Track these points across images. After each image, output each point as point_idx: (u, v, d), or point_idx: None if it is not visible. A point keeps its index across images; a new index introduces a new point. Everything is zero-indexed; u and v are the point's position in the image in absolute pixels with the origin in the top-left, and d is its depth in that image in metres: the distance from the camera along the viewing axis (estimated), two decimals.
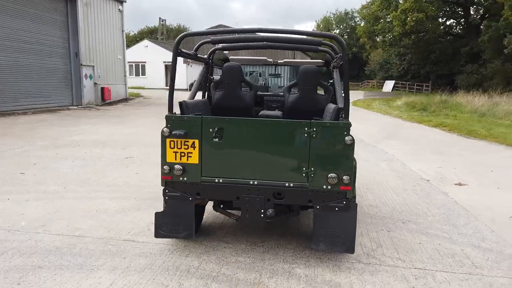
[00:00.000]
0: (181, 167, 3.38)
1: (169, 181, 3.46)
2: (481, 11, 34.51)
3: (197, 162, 3.39)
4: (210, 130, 3.36)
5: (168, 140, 3.40)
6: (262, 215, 3.40)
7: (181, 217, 3.49)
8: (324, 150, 3.22)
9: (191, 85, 6.36)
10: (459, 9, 37.70)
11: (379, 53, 55.43)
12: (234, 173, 3.38)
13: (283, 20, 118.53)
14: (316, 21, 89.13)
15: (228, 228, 4.28)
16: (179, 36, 3.41)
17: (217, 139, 3.37)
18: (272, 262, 3.50)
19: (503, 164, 8.23)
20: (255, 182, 3.36)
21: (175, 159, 3.41)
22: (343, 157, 3.21)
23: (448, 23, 39.85)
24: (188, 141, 3.38)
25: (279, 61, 5.76)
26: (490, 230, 4.49)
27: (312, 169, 3.25)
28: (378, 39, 45.64)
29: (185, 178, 3.42)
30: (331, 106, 3.88)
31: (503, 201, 5.61)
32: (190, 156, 3.40)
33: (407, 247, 3.94)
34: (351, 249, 3.31)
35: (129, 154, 8.20)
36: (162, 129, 3.40)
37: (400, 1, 34.66)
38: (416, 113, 19.90)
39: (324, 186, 3.26)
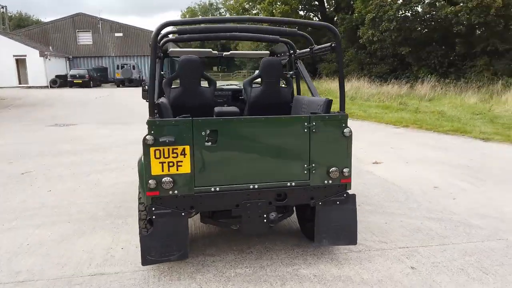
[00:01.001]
0: (171, 179, 2.92)
1: (157, 197, 2.96)
2: (333, 4, 38.36)
3: (189, 172, 2.97)
4: (203, 133, 2.97)
5: (152, 149, 2.89)
6: (265, 220, 3.16)
7: (173, 236, 3.03)
8: (324, 144, 3.14)
9: (143, 83, 5.51)
10: (315, 2, 41.32)
11: (247, 44, 57.38)
12: (232, 179, 3.07)
13: (145, 10, 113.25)
14: (181, 11, 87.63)
15: (204, 240, 3.91)
16: (160, 25, 2.88)
17: (210, 143, 2.99)
18: (273, 268, 3.31)
19: (397, 141, 9.34)
20: (256, 186, 3.10)
21: (163, 171, 2.93)
22: (342, 150, 3.18)
23: (311, 16, 43.34)
24: (177, 149, 2.92)
25: (224, 53, 5.42)
26: (428, 201, 5.03)
27: (313, 165, 3.15)
28: None
29: (175, 191, 2.97)
30: (307, 98, 3.81)
31: (419, 174, 6.36)
32: (180, 166, 2.95)
33: (379, 229, 4.15)
34: (354, 241, 3.33)
35: (23, 168, 6.84)
36: (145, 137, 2.87)
37: None
38: None
39: (326, 181, 3.19)
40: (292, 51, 4.45)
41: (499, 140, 9.17)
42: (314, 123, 3.09)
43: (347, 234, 3.30)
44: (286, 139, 3.10)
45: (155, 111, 3.14)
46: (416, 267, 3.33)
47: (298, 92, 4.46)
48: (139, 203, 3.22)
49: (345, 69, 33.58)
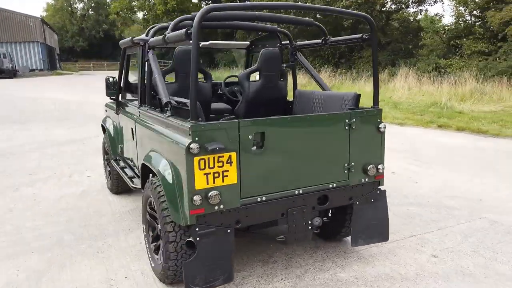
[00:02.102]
0: (218, 193, 2.49)
1: (201, 215, 2.50)
2: None
3: (236, 182, 2.57)
4: (250, 137, 2.59)
5: (197, 159, 2.42)
6: (310, 227, 2.93)
7: (218, 258, 2.61)
8: (361, 141, 3.02)
9: (108, 77, 4.43)
10: None
11: (135, 31, 54.23)
12: (278, 186, 2.76)
13: None
14: None
15: None
16: (204, 10, 2.38)
17: (255, 147, 2.63)
18: (311, 276, 3.11)
19: None
20: (300, 191, 2.84)
21: (207, 184, 2.48)
22: (378, 146, 3.10)
23: (207, 3, 42.59)
24: (222, 156, 2.50)
25: (202, 43, 4.84)
26: (396, 187, 5.30)
27: (353, 163, 3.01)
28: (139, 16, 44.59)
29: (221, 206, 2.55)
30: (321, 93, 3.61)
31: None
32: (226, 176, 2.54)
33: None
34: (386, 237, 3.30)
35: None
36: (189, 145, 2.38)
37: None
38: None
39: (363, 179, 3.08)
40: (288, 42, 4.19)
41: (412, 124, 10.20)
42: (354, 120, 2.93)
43: (381, 231, 3.25)
44: (327, 138, 2.90)
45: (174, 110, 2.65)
46: (437, 255, 3.44)
47: (295, 86, 4.24)
48: (165, 223, 2.69)
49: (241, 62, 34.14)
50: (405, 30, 25.04)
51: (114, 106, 4.86)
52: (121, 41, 4.14)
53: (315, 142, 2.85)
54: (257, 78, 3.97)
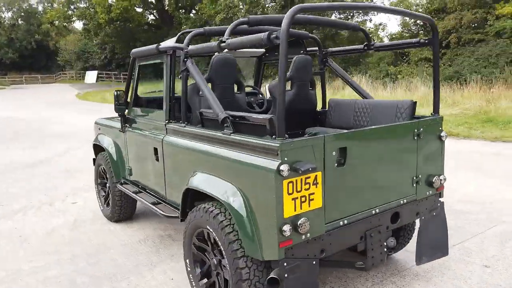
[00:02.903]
0: (306, 219, 2.18)
1: (289, 247, 2.17)
2: (173, 3, 37.56)
3: (321, 206, 2.28)
4: (333, 153, 2.31)
5: (286, 182, 2.10)
6: (385, 249, 2.69)
7: None
8: (426, 151, 2.86)
9: (117, 92, 3.82)
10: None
11: (72, 42, 51.45)
12: (358, 206, 2.51)
13: None
14: None
15: None
16: (293, 10, 2.06)
17: (336, 165, 2.36)
18: None
19: None
20: (376, 210, 2.61)
21: (295, 210, 2.16)
22: (439, 156, 2.96)
23: (152, 12, 41.46)
24: (309, 177, 2.20)
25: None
26: None
27: (420, 176, 2.83)
28: (76, 26, 42.26)
29: (308, 235, 2.23)
30: (366, 101, 3.39)
31: None
32: (312, 199, 2.24)
33: None
34: (446, 252, 3.15)
35: None
36: (279, 166, 2.05)
37: None
38: None
39: (428, 192, 2.92)
40: (316, 48, 3.94)
41: None
42: (421, 129, 2.76)
43: (442, 246, 3.09)
44: (399, 150, 2.71)
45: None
46: (489, 265, 3.36)
47: (324, 95, 4.00)
48: (235, 258, 2.32)
49: None
50: (353, 39, 26.02)
51: (113, 124, 4.33)
52: (133, 50, 3.66)
53: (388, 154, 2.65)
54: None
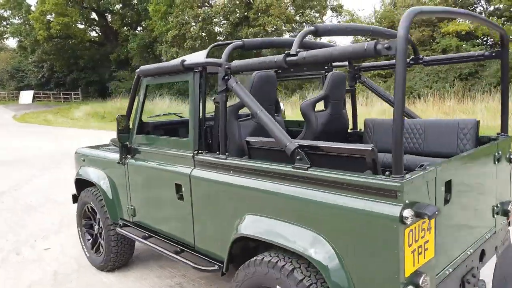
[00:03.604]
0: (426, 276, 1.75)
1: None
2: (118, 19, 36.14)
3: (433, 255, 1.86)
4: (442, 189, 1.92)
5: (407, 232, 1.66)
6: None
7: None
8: (501, 176, 2.56)
9: (120, 116, 3.22)
10: (94, 15, 38.10)
11: (4, 60, 47.75)
12: (458, 249, 2.14)
13: None
14: None
15: None
16: (411, 12, 1.65)
17: (443, 202, 1.97)
18: None
19: None
20: (471, 250, 2.24)
21: (414, 265, 1.73)
22: (508, 179, 2.68)
23: (94, 29, 39.49)
24: (425, 222, 1.78)
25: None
26: None
27: (498, 204, 2.52)
28: (8, 43, 39.15)
29: None
30: (416, 121, 3.04)
31: None
32: (427, 249, 1.82)
33: None
34: None
35: None
36: (401, 212, 1.61)
37: (33, 2, 30.92)
38: (115, 122, 18.80)
39: (502, 222, 2.62)
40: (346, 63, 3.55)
41: None
42: (500, 151, 2.47)
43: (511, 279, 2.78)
44: (483, 176, 2.39)
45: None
46: None
47: (355, 114, 3.61)
48: None
49: None
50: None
51: (105, 154, 3.64)
52: (141, 67, 3.05)
53: (476, 182, 2.32)
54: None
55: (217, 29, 25.27)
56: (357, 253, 1.77)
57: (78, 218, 3.99)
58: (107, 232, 3.54)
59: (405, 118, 3.27)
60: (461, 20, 19.51)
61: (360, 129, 3.54)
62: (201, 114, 2.67)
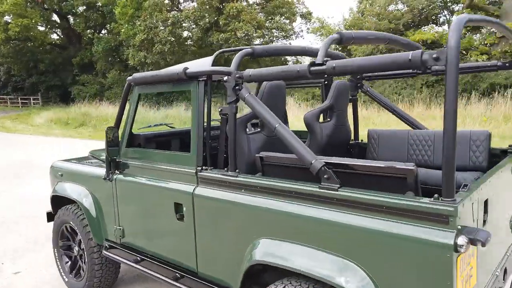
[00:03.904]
0: None
1: None
2: (82, 22, 34.79)
3: (476, 282, 1.73)
4: (482, 209, 1.80)
5: (459, 260, 1.52)
6: None
7: None
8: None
9: (110, 129, 2.83)
10: (56, 18, 36.60)
11: None
12: (488, 272, 2.02)
13: None
14: None
15: None
16: (461, 20, 1.51)
17: (482, 223, 1.85)
18: None
19: None
20: (498, 271, 2.14)
21: None
22: None
23: (55, 31, 37.80)
24: (473, 247, 1.65)
25: None
26: None
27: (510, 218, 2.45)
28: None
29: None
30: (423, 132, 2.92)
31: None
32: (471, 276, 1.68)
33: None
34: None
35: None
36: (455, 240, 1.46)
37: None
38: (80, 129, 18.02)
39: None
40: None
41: None
42: None
43: None
44: (504, 190, 2.30)
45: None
46: None
47: (357, 124, 3.47)
48: None
49: (108, 91, 31.08)
50: (273, 64, 26.54)
51: (87, 169, 3.31)
52: (134, 75, 2.76)
53: (502, 198, 2.22)
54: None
55: (186, 33, 24.86)
56: (399, 283, 1.61)
57: (54, 239, 3.62)
58: (90, 254, 3.21)
59: (411, 128, 3.18)
60: (426, 29, 20.23)
61: (362, 140, 3.42)
62: (204, 127, 2.43)
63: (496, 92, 14.25)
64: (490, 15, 18.25)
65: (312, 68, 1.87)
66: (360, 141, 3.40)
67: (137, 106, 2.88)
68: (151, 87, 2.77)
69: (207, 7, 22.74)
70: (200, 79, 2.40)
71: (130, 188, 2.88)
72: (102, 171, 3.11)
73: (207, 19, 23.01)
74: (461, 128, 2.52)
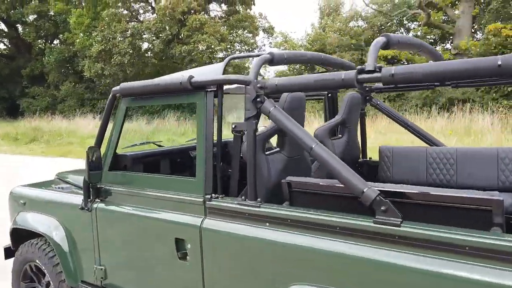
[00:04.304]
0: None
1: None
2: (33, 31, 32.94)
3: None
4: None
5: None
6: None
7: None
8: None
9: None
10: (3, 26, 34.49)
11: None
12: None
13: None
14: None
15: None
16: None
17: None
18: None
19: None
20: None
21: None
22: None
23: (1, 41, 35.46)
24: None
25: None
26: None
27: None
28: None
29: None
30: (446, 149, 2.68)
31: None
32: None
33: None
34: None
35: None
36: None
37: None
38: (31, 145, 16.74)
39: None
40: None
41: None
42: None
43: None
44: None
45: None
46: None
47: (365, 141, 3.19)
48: None
49: (61, 104, 29.46)
50: None
51: (58, 196, 2.80)
52: (122, 85, 2.32)
53: None
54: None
55: (146, 45, 24.11)
56: None
57: (15, 280, 3.02)
58: None
59: (427, 145, 2.95)
60: None
61: (370, 158, 3.15)
62: (214, 145, 2.05)
63: (455, 106, 14.79)
64: (445, 33, 19.19)
65: (361, 76, 1.55)
66: (368, 159, 3.14)
67: (123, 121, 2.43)
68: (143, 99, 2.34)
69: (168, 18, 22.22)
70: (209, 89, 2.02)
71: (115, 219, 2.41)
72: (77, 199, 2.61)
73: (168, 31, 22.46)
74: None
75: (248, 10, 24.84)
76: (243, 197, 1.91)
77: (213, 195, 2.01)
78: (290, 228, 1.73)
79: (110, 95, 2.41)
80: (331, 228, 1.62)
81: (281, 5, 43.49)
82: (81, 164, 11.55)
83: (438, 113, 15.11)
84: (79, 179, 2.84)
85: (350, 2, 39.39)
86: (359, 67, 1.58)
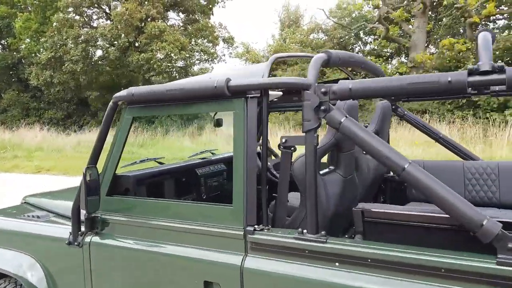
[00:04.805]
0: None
1: None
2: None
3: None
4: None
5: None
6: None
7: None
8: None
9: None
10: None
11: None
12: None
13: None
14: None
15: None
16: None
17: None
18: None
19: None
20: None
21: None
22: None
23: None
24: None
25: None
26: None
27: None
28: None
29: None
30: (485, 163, 2.44)
31: None
32: None
33: None
34: None
35: None
36: None
37: None
38: None
39: None
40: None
41: None
42: None
43: None
44: None
45: None
46: None
47: None
48: None
49: (3, 114, 27.37)
50: None
51: (37, 227, 2.25)
52: (129, 90, 1.85)
53: None
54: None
55: (100, 52, 22.95)
56: None
57: None
58: None
59: (464, 160, 2.71)
60: None
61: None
62: (257, 163, 1.65)
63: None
64: (401, 47, 19.90)
65: (477, 79, 1.24)
66: (392, 174, 2.86)
67: (127, 135, 1.96)
68: (156, 108, 1.88)
69: (125, 25, 21.29)
70: (251, 95, 1.62)
71: (116, 257, 1.92)
72: (60, 231, 2.09)
73: (125, 38, 21.50)
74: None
75: (208, 20, 24.44)
76: (300, 230, 1.52)
77: (256, 226, 1.60)
78: (370, 270, 1.37)
79: (111, 103, 1.94)
80: (433, 270, 1.28)
81: (240, 17, 43.61)
82: (31, 180, 10.45)
83: (398, 123, 15.50)
84: (59, 205, 2.32)
85: (309, 15, 40.44)
86: (470, 66, 1.28)
